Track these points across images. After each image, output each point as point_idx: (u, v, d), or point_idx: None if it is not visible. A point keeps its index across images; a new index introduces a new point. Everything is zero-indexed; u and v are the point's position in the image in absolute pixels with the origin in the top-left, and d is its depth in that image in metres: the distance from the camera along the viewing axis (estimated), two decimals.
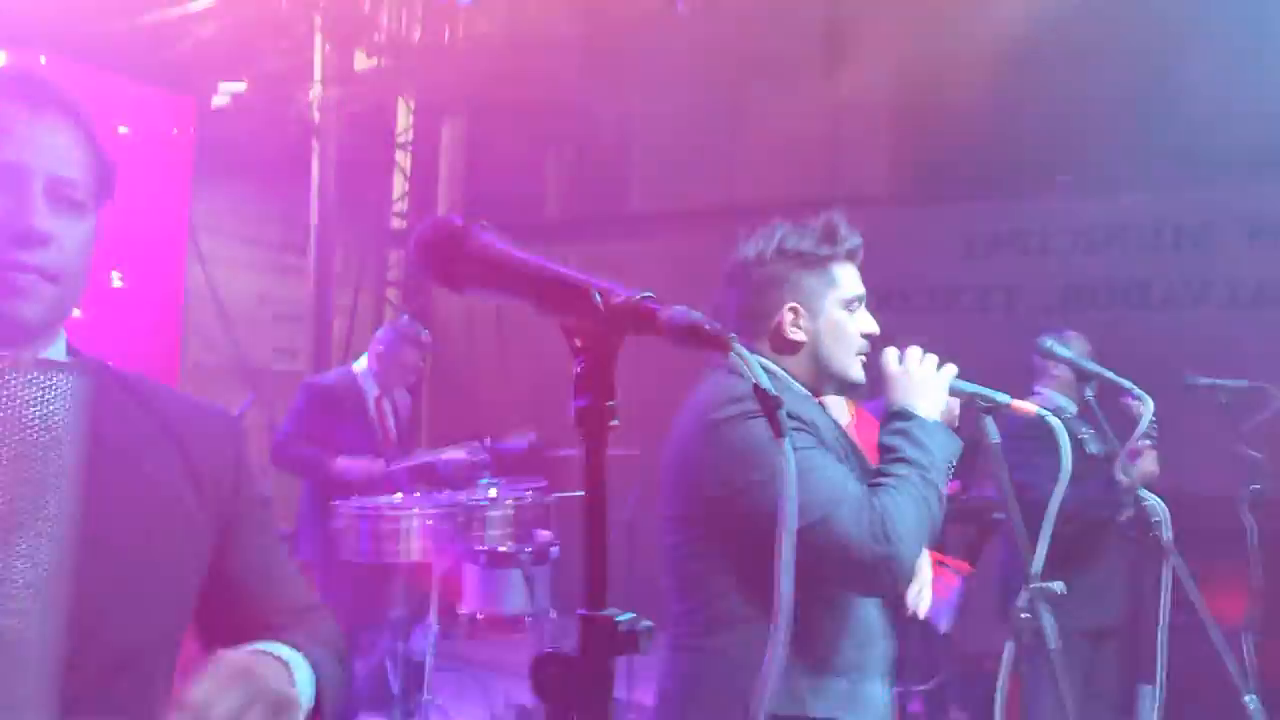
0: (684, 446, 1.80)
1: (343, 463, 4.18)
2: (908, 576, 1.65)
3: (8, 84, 1.08)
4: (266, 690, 0.98)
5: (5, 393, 0.84)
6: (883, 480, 1.68)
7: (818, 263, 1.85)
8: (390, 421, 4.53)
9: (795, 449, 1.62)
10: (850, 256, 1.89)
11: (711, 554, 1.75)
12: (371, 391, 4.45)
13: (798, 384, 1.85)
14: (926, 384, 1.80)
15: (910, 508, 1.65)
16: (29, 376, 0.86)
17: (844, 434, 1.89)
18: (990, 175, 6.13)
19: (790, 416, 1.70)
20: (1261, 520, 3.51)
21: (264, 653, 1.06)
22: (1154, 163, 5.46)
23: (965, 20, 5.51)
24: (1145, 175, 5.56)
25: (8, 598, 0.84)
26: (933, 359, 1.85)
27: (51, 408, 0.87)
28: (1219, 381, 3.45)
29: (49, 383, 0.87)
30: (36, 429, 0.86)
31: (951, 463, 1.76)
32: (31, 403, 0.86)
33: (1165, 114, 5.27)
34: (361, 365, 4.49)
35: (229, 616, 1.16)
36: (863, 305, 1.90)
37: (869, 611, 1.78)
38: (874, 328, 1.89)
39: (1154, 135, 5.32)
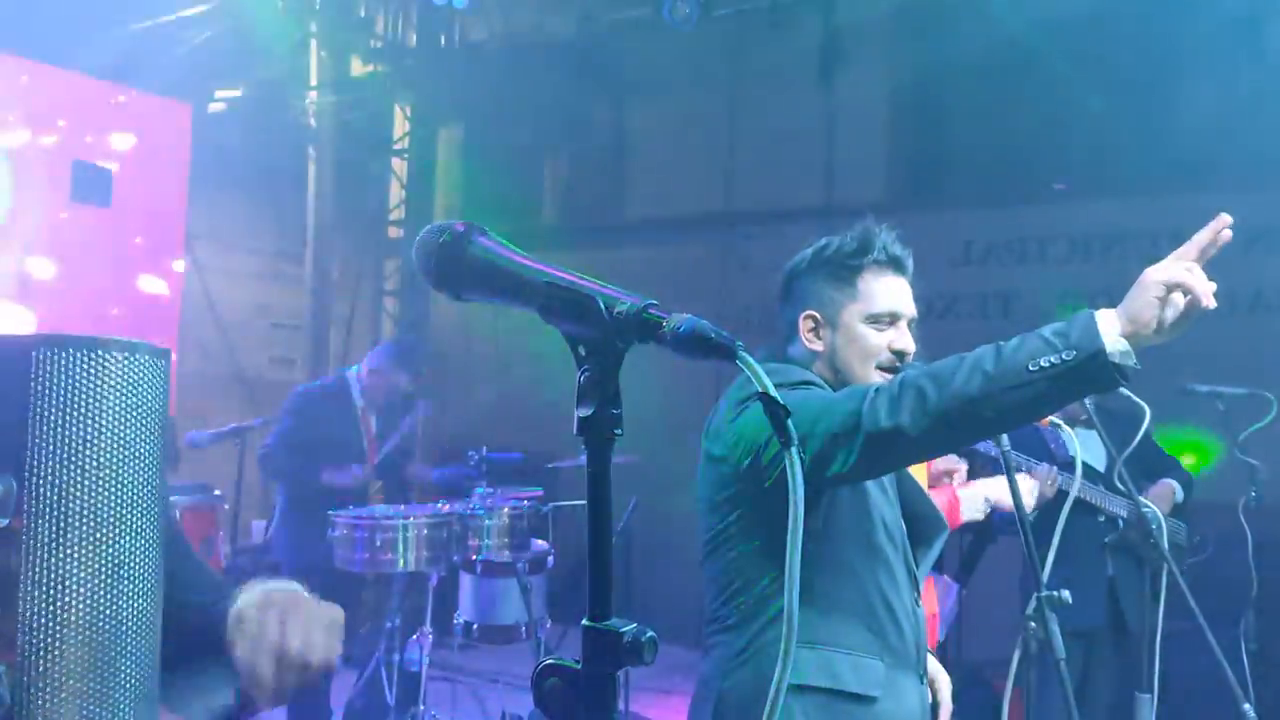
0: (716, 431, 1.81)
1: (328, 474, 4.20)
2: (884, 408, 1.45)
3: None
4: (318, 609, 1.00)
5: (109, 376, 0.83)
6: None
7: (844, 273, 1.83)
8: (374, 431, 4.53)
9: (800, 395, 1.62)
10: (888, 267, 1.83)
11: (748, 538, 1.75)
12: (358, 400, 4.46)
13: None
14: (1137, 302, 1.46)
15: (921, 373, 1.49)
16: (147, 359, 0.85)
17: None
18: (987, 182, 6.14)
19: (807, 384, 1.72)
20: (1259, 528, 3.51)
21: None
22: (1150, 170, 5.48)
23: (961, 28, 5.53)
24: (1142, 182, 5.57)
25: (137, 581, 0.84)
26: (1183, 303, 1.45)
27: (156, 391, 0.86)
28: (1217, 389, 3.45)
29: (157, 365, 0.87)
30: (148, 412, 0.85)
31: (1046, 353, 1.39)
32: (145, 385, 0.85)
33: (1161, 121, 5.28)
34: (354, 374, 4.51)
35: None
36: (899, 321, 1.83)
37: (900, 605, 1.78)
38: (907, 345, 1.83)
39: (1150, 142, 5.34)
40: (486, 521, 4.03)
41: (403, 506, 4.16)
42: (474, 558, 4.04)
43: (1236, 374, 3.62)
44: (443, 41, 7.65)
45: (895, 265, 1.86)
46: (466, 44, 7.59)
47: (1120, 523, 3.43)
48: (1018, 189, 5.95)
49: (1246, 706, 2.46)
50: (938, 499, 2.23)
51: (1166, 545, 2.99)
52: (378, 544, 3.76)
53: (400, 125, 8.10)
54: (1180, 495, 3.64)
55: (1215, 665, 2.43)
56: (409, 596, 4.24)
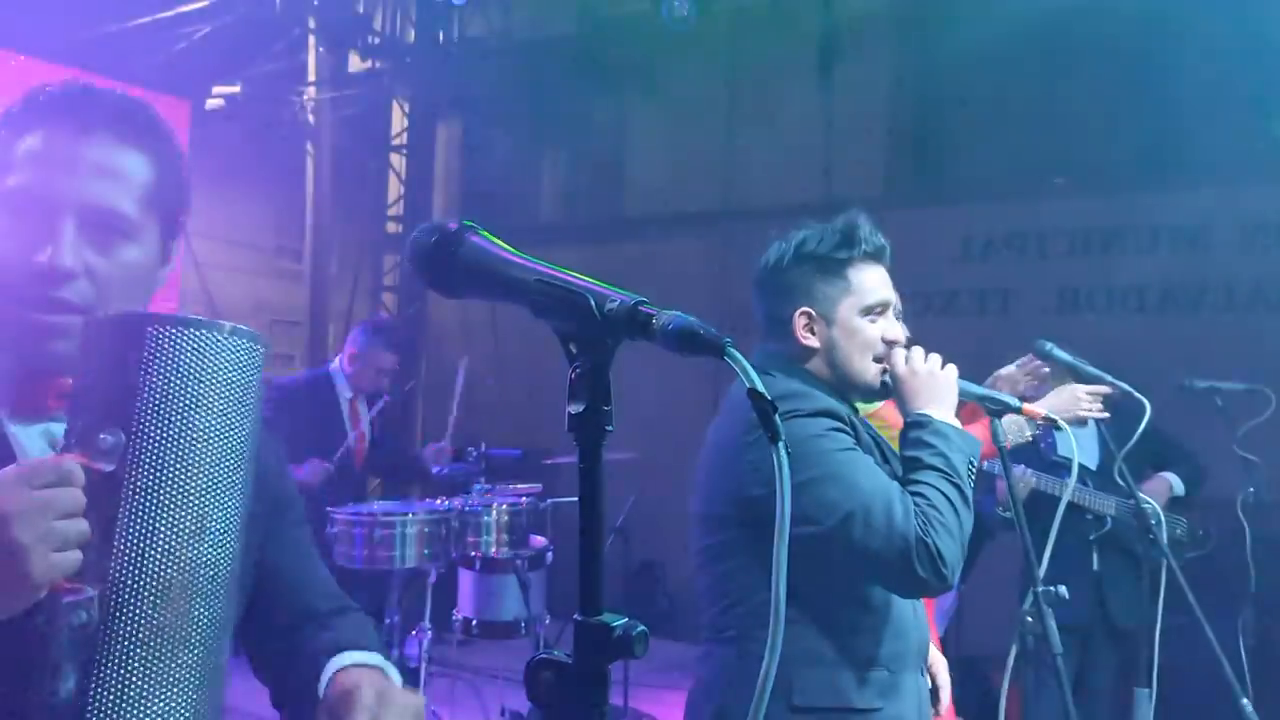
0: (725, 446, 1.80)
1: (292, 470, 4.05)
2: (950, 572, 1.64)
3: (57, 104, 1.06)
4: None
5: (211, 353, 0.95)
6: (912, 488, 1.69)
7: (834, 267, 1.83)
8: (364, 422, 4.46)
9: (836, 449, 1.67)
10: (872, 259, 1.86)
11: (750, 552, 1.75)
12: (345, 393, 4.39)
13: (823, 388, 1.83)
14: (936, 385, 1.79)
15: (943, 508, 1.66)
16: (231, 340, 0.96)
17: (878, 436, 1.89)
18: (986, 177, 6.14)
19: (829, 415, 1.73)
20: (1257, 523, 3.52)
21: (372, 669, 1.12)
22: (1150, 165, 5.49)
23: (961, 24, 5.52)
24: (1141, 178, 5.57)
25: (217, 537, 0.94)
26: (936, 358, 1.83)
27: (248, 373, 0.97)
28: (1216, 384, 3.45)
29: (248, 348, 0.97)
30: (238, 390, 0.96)
31: (973, 463, 1.74)
32: (234, 366, 0.96)
33: (1160, 116, 5.29)
34: (336, 365, 4.45)
35: (271, 605, 1.20)
36: (888, 311, 1.86)
37: (903, 605, 1.79)
38: (899, 334, 1.86)
39: (1149, 138, 5.35)
40: (485, 518, 4.03)
41: (401, 502, 4.16)
42: (473, 554, 4.04)
43: (1234, 369, 3.62)
44: (441, 37, 7.65)
45: (878, 255, 1.87)
46: (465, 40, 7.59)
47: (1108, 520, 3.43)
48: (1017, 184, 5.96)
49: (1245, 702, 2.46)
50: (975, 433, 2.25)
51: (1166, 540, 2.99)
52: (376, 540, 3.77)
53: (399, 121, 8.10)
54: (1179, 488, 3.61)
55: (1214, 660, 2.44)
56: (408, 593, 4.24)
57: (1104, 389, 2.57)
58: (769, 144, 6.45)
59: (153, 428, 0.91)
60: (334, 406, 4.33)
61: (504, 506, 4.08)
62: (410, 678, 3.99)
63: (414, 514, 3.85)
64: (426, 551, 3.83)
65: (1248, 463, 3.49)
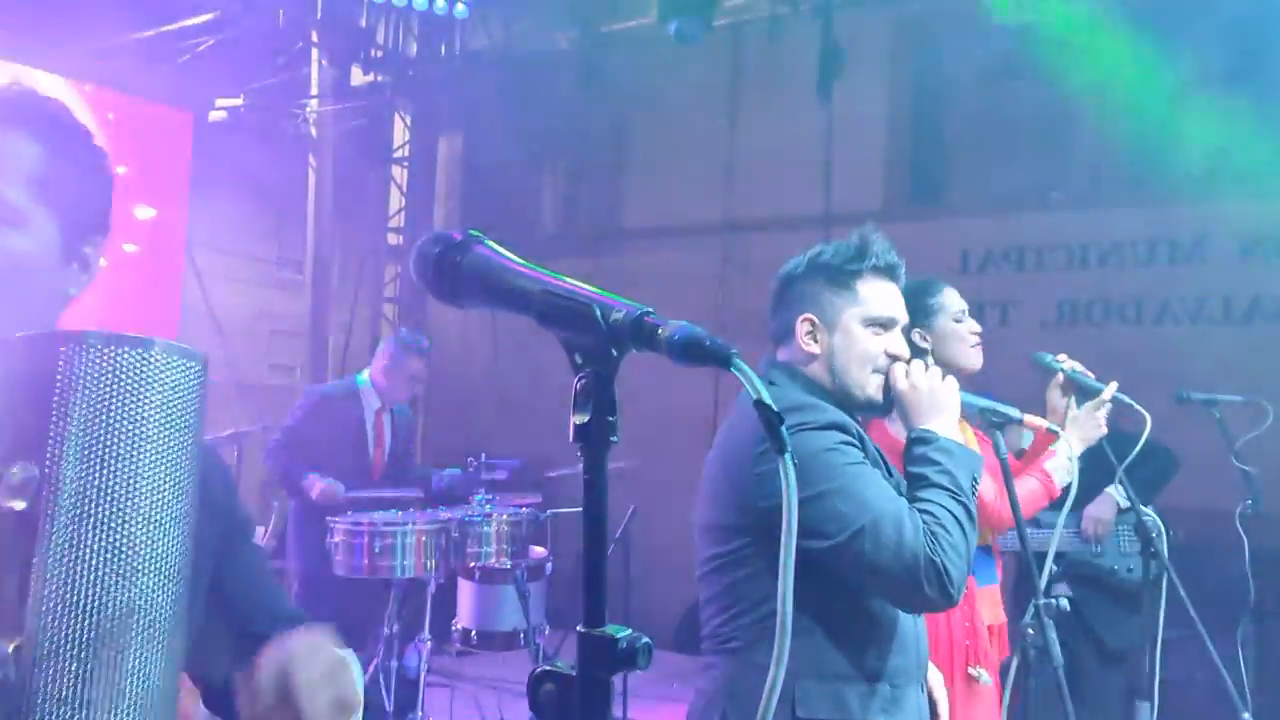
0: (734, 457, 1.79)
1: (310, 480, 4.17)
2: (956, 590, 1.65)
3: None
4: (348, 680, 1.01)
5: (136, 374, 0.85)
6: (919, 505, 1.70)
7: (843, 278, 1.85)
8: (387, 434, 4.53)
9: (847, 463, 1.68)
10: (884, 274, 1.87)
11: (758, 562, 1.75)
12: (372, 405, 4.46)
13: (827, 398, 1.83)
14: (938, 400, 1.80)
15: (950, 527, 1.67)
16: (161, 358, 0.86)
17: (880, 450, 1.89)
18: (984, 191, 6.16)
19: (840, 428, 1.73)
20: (1256, 535, 3.51)
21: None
22: (1147, 179, 5.50)
23: (959, 38, 5.55)
24: (1139, 192, 5.59)
25: (153, 572, 0.85)
26: (936, 372, 1.84)
27: (183, 394, 0.88)
28: (1213, 396, 3.45)
29: (182, 365, 0.88)
30: (172, 414, 0.87)
31: (975, 479, 1.75)
32: (165, 387, 0.87)
33: (1159, 131, 5.31)
34: (364, 378, 4.50)
35: (225, 625, 1.15)
36: (895, 328, 1.87)
37: (906, 620, 1.80)
38: (903, 350, 1.86)
39: (1147, 152, 5.36)
40: (485, 528, 4.04)
41: (402, 513, 4.16)
42: (472, 564, 4.04)
43: (1232, 381, 3.63)
44: (443, 51, 7.68)
45: (890, 272, 1.88)
46: (467, 53, 7.62)
47: (1060, 559, 3.42)
48: (1015, 198, 5.97)
49: (1245, 715, 2.46)
50: (1026, 486, 2.31)
51: (1166, 551, 2.98)
52: (376, 550, 3.77)
53: (400, 134, 8.13)
54: (1123, 500, 3.45)
55: (1214, 672, 2.44)
56: (407, 603, 4.24)
57: (1110, 390, 2.53)
58: (768, 157, 6.47)
59: (71, 460, 0.82)
60: (359, 418, 4.40)
61: (504, 517, 4.08)
62: (410, 688, 3.99)
63: (414, 524, 3.85)
64: (426, 561, 3.83)
65: (1246, 475, 3.48)
